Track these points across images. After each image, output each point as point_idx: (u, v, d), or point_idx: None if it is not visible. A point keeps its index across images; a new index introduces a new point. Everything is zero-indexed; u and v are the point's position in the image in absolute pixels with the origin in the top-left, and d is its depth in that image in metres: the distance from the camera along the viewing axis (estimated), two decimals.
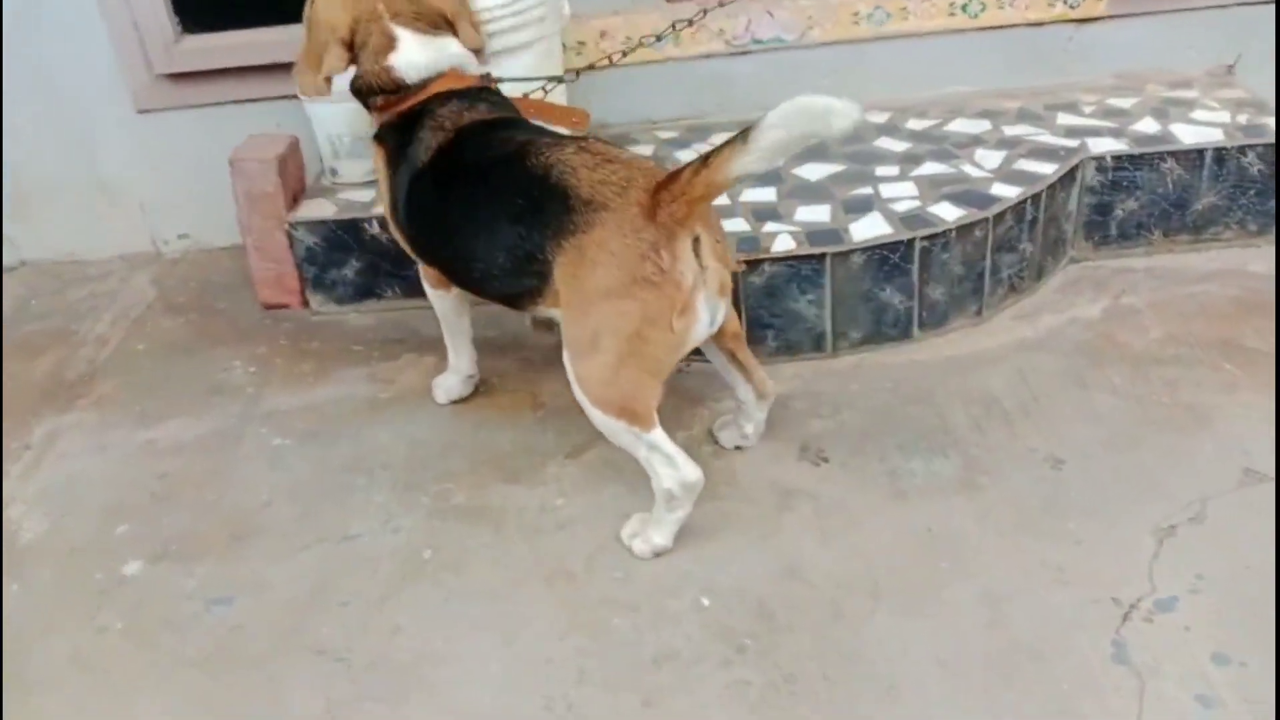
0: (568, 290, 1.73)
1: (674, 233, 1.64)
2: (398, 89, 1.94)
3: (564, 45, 2.65)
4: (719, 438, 2.07)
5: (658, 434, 1.75)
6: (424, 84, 1.93)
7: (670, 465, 1.76)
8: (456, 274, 1.98)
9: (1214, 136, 2.46)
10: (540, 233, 1.73)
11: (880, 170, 2.46)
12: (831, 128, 1.47)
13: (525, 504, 1.99)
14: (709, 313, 1.73)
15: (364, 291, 2.62)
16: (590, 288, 1.69)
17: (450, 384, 2.27)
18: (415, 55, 1.93)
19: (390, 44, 1.92)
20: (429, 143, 1.89)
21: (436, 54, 1.94)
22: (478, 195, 1.83)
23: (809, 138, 1.51)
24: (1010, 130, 2.57)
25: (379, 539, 1.95)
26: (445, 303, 2.17)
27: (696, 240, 1.68)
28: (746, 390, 1.98)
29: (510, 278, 1.82)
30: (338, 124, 2.62)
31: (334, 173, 2.71)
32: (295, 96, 2.64)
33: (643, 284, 1.65)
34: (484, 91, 1.96)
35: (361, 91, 1.99)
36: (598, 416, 1.76)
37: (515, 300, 1.87)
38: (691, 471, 1.77)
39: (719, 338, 1.87)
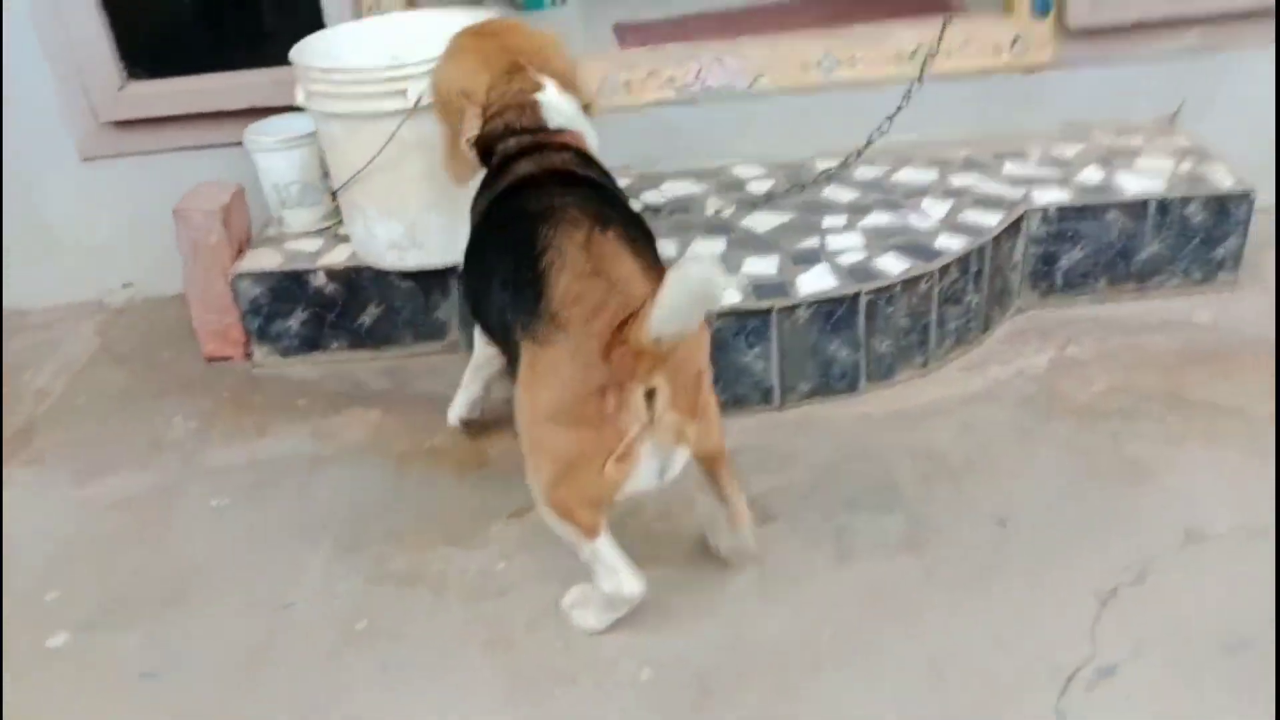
0: (523, 378, 1.67)
1: (624, 380, 1.53)
2: (537, 128, 1.85)
3: None
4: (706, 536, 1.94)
5: (601, 543, 1.70)
6: (559, 131, 1.87)
7: (611, 574, 1.72)
8: (476, 306, 1.93)
9: (1157, 186, 2.48)
10: (513, 314, 1.68)
11: (828, 221, 2.46)
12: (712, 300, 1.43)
13: (466, 567, 1.96)
14: (658, 463, 1.62)
15: (309, 343, 2.59)
16: (537, 401, 1.64)
17: (459, 401, 2.25)
18: (558, 100, 1.87)
19: (536, 88, 1.86)
20: (517, 173, 1.82)
21: (571, 109, 1.89)
22: (504, 241, 1.75)
23: (693, 310, 1.44)
24: (957, 180, 2.58)
25: (315, 605, 1.91)
26: (485, 353, 2.12)
27: (653, 391, 1.55)
28: (720, 512, 1.85)
29: (499, 334, 1.78)
30: (285, 173, 2.60)
31: (281, 222, 2.67)
32: (240, 144, 2.62)
33: (582, 422, 1.57)
34: (591, 159, 1.88)
35: (492, 137, 1.87)
36: (542, 510, 1.72)
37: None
38: (630, 585, 1.72)
39: (698, 454, 1.72)
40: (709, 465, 1.78)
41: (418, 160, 2.26)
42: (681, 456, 1.66)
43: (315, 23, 2.62)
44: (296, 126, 2.55)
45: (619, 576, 1.72)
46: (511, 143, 1.84)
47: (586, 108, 1.94)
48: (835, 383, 2.30)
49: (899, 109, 2.68)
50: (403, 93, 2.18)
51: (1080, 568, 1.83)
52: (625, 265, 1.62)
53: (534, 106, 1.85)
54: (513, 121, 1.85)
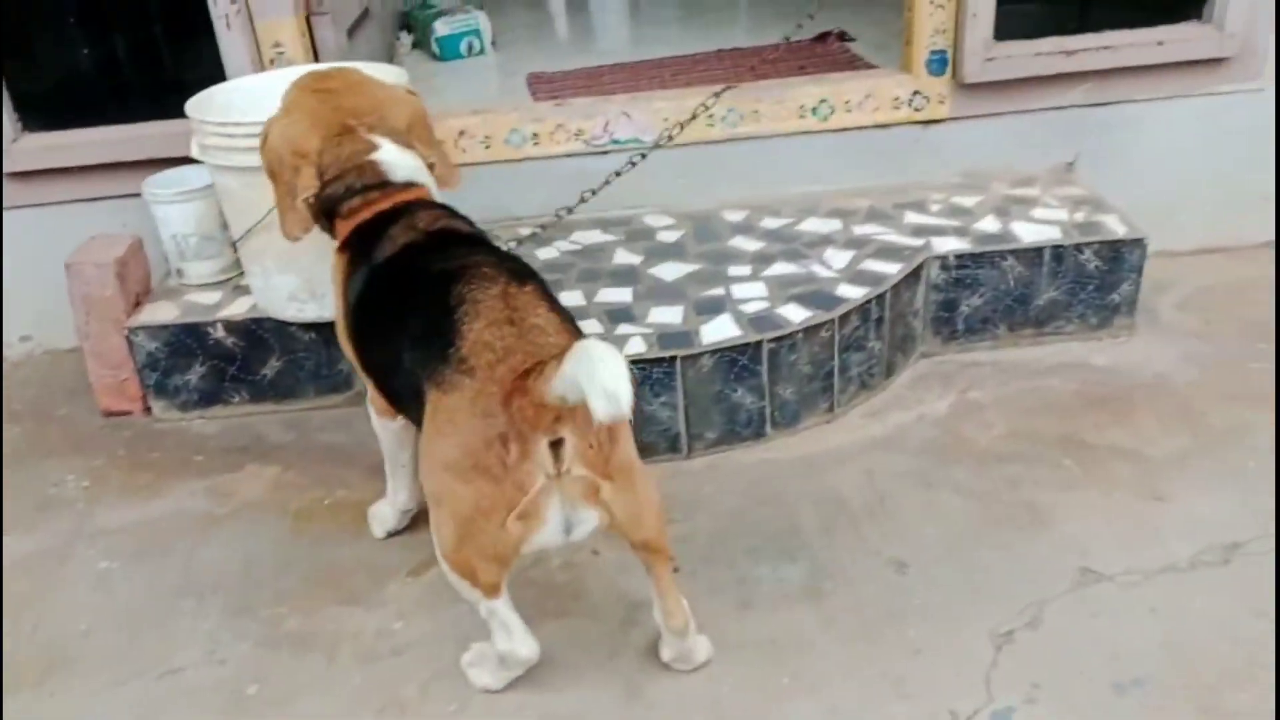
0: (425, 428, 1.61)
1: (526, 430, 1.48)
2: (382, 184, 1.82)
3: None
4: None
5: (499, 603, 1.65)
6: (406, 186, 1.84)
7: (506, 634, 1.68)
8: (382, 383, 1.86)
9: (1052, 235, 2.55)
10: (421, 369, 1.60)
11: (733, 270, 2.48)
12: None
13: (361, 628, 1.91)
14: (563, 520, 1.55)
15: (209, 397, 2.53)
16: (436, 451, 1.57)
17: (385, 515, 2.12)
18: (397, 157, 1.84)
19: (370, 148, 1.83)
20: (398, 240, 1.76)
21: (414, 163, 1.86)
22: (412, 304, 1.67)
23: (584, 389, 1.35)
24: (859, 229, 2.62)
25: (203, 671, 1.84)
26: (389, 432, 2.01)
27: (560, 441, 1.50)
28: (658, 611, 1.75)
29: (409, 401, 1.68)
30: (183, 224, 2.55)
31: (180, 274, 2.62)
32: (139, 195, 2.58)
33: (481, 472, 1.50)
34: (457, 213, 1.87)
35: (334, 199, 1.83)
36: (444, 567, 1.66)
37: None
38: (525, 648, 1.69)
39: (631, 541, 1.66)
40: (647, 559, 1.70)
41: None
42: (591, 517, 1.58)
43: (217, 76, 2.60)
44: (194, 179, 2.51)
45: (514, 637, 1.68)
46: (356, 201, 1.81)
47: (432, 165, 1.91)
48: (742, 430, 2.31)
49: (630, 164, 2.73)
50: None
51: (977, 612, 1.84)
52: (541, 316, 1.59)
53: (373, 165, 1.83)
54: (354, 183, 1.82)
